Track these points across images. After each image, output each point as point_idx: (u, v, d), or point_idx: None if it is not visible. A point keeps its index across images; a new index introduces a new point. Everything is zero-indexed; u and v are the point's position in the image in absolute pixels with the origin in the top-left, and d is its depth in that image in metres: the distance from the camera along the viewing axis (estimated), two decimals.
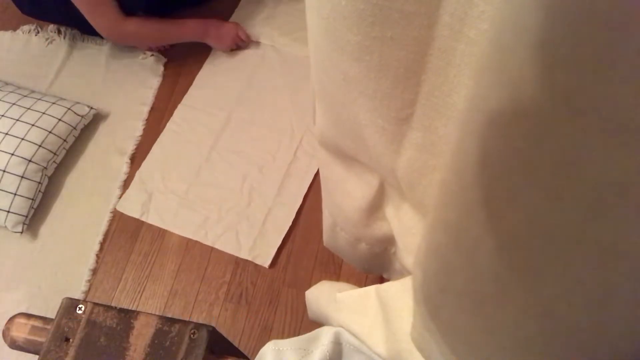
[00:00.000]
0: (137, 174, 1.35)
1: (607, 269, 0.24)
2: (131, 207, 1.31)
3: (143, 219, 1.29)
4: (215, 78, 1.48)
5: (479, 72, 0.25)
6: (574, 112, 0.20)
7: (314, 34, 0.40)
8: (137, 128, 1.42)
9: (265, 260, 1.21)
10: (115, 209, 1.31)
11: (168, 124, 1.42)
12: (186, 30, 1.44)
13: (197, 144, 1.38)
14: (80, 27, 1.55)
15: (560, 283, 0.27)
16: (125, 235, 1.29)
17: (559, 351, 0.32)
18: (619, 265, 0.24)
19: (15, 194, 1.24)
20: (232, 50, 1.49)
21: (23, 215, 1.26)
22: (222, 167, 1.34)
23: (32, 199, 1.27)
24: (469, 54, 0.31)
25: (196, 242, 1.25)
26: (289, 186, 1.29)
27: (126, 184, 1.35)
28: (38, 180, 1.28)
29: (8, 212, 1.24)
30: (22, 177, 1.25)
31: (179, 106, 1.44)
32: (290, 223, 1.24)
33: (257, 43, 1.50)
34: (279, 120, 1.39)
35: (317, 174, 1.30)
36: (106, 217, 1.30)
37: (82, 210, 1.32)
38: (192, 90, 1.47)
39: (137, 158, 1.39)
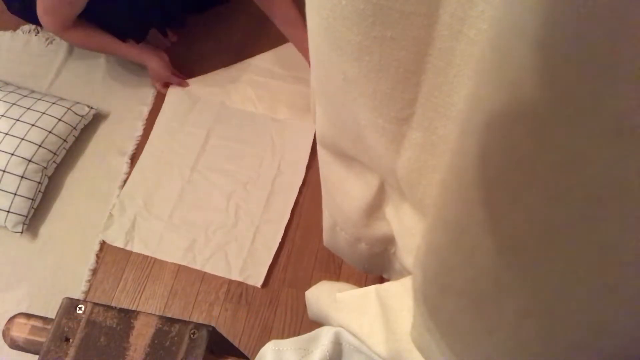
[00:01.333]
0: (118, 200, 1.31)
1: (607, 269, 0.24)
2: (115, 236, 1.27)
3: (128, 248, 1.25)
4: (189, 99, 1.45)
5: (479, 72, 0.25)
6: (574, 112, 0.20)
7: (314, 34, 0.40)
8: (137, 128, 1.42)
9: (257, 280, 1.18)
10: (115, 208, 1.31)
11: (146, 147, 1.38)
12: (124, 52, 1.42)
13: (177, 165, 1.34)
14: None
15: (560, 283, 0.27)
16: None
17: (558, 351, 0.32)
18: (619, 265, 0.24)
19: (15, 194, 1.24)
20: (164, 86, 1.47)
21: (23, 215, 1.26)
22: (205, 187, 1.31)
23: (32, 199, 1.27)
24: (469, 54, 0.31)
25: None
26: (275, 202, 1.27)
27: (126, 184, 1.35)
28: (38, 180, 1.28)
29: (8, 212, 1.24)
30: (22, 177, 1.25)
31: (154, 128, 1.41)
32: (279, 240, 1.22)
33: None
34: (259, 135, 1.36)
35: (302, 187, 1.30)
36: (106, 217, 1.30)
37: (82, 210, 1.32)
38: (165, 107, 1.44)
39: (137, 158, 1.39)
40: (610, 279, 0.25)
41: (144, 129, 1.43)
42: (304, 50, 1.35)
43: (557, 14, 0.17)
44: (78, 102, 1.40)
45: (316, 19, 0.38)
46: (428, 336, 0.45)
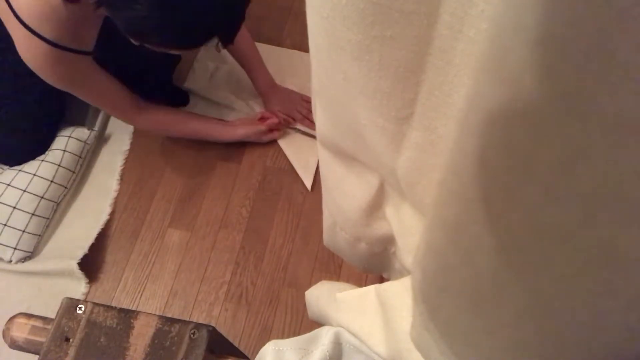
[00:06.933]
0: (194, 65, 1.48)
1: (606, 269, 0.24)
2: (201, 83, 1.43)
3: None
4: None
5: (478, 71, 0.25)
6: (573, 112, 0.20)
7: (314, 34, 0.40)
8: (125, 142, 1.39)
9: None
10: (113, 209, 1.31)
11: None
12: (210, 129, 1.32)
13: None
14: None
15: (559, 283, 0.27)
16: (125, 235, 1.29)
17: (558, 351, 0.32)
18: (618, 265, 0.24)
19: (23, 231, 1.21)
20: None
21: (29, 252, 1.24)
22: None
23: (40, 235, 1.25)
24: (469, 54, 0.31)
25: (196, 241, 1.26)
26: None
27: (117, 201, 1.32)
28: (47, 216, 1.26)
29: (15, 249, 1.21)
30: (32, 214, 1.22)
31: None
32: None
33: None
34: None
35: (302, 187, 1.30)
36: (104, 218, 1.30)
37: (74, 230, 1.28)
38: None
39: (126, 173, 1.36)
40: (609, 279, 0.25)
41: (131, 144, 1.39)
42: (260, 89, 1.37)
43: (556, 12, 0.17)
44: (76, 127, 1.34)
45: (316, 19, 0.38)
46: (428, 336, 0.45)
